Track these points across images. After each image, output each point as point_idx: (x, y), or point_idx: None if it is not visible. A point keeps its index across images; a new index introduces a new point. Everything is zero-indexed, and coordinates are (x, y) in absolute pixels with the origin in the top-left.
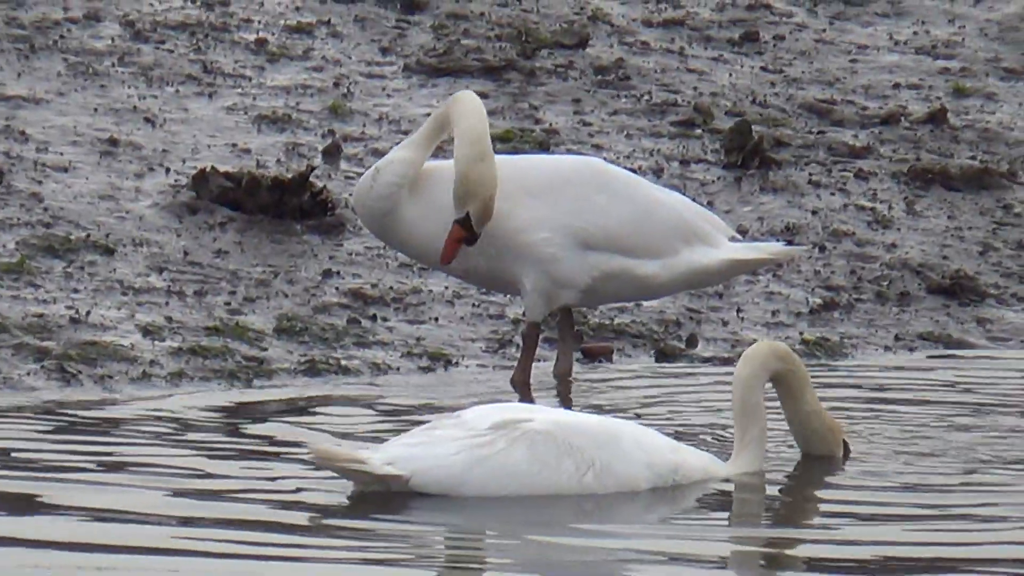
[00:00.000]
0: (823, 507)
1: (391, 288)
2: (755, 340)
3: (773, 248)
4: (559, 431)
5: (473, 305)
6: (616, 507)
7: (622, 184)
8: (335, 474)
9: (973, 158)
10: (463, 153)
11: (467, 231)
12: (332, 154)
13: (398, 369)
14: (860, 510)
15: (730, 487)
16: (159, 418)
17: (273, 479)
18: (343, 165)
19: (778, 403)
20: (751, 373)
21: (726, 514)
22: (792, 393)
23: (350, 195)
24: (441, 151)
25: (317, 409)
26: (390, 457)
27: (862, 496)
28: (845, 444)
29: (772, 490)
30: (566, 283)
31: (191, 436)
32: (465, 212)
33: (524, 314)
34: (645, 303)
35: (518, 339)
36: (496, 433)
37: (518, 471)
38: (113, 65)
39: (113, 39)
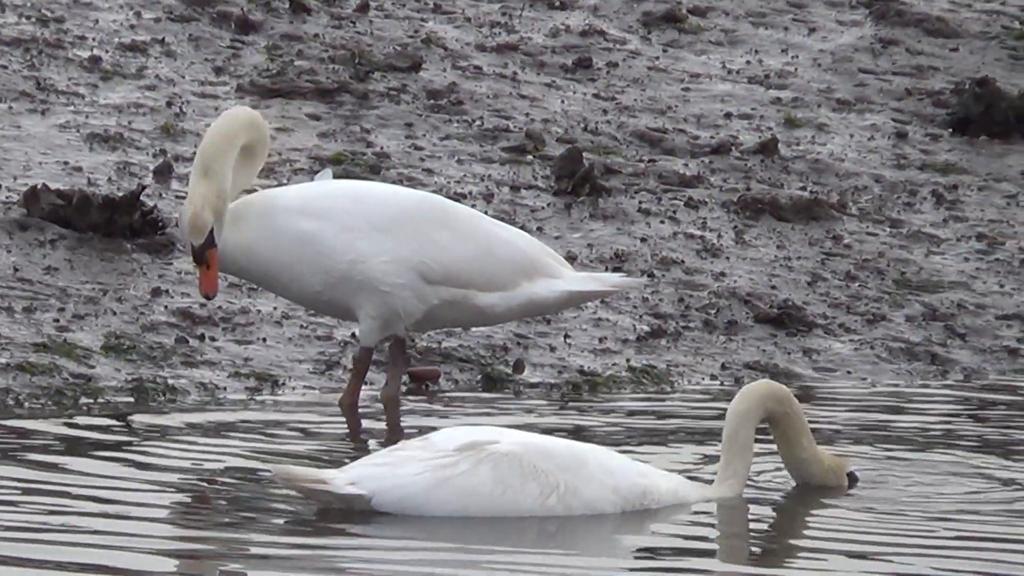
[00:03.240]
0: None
1: (219, 308)
2: (582, 367)
3: (613, 279)
4: (525, 453)
5: (301, 326)
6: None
7: (464, 222)
8: (298, 494)
9: (803, 189)
10: (194, 166)
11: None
12: (163, 174)
13: (225, 389)
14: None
15: (706, 513)
16: None
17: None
18: (174, 185)
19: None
20: (746, 409)
21: (699, 542)
22: (787, 437)
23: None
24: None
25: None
26: (353, 477)
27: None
28: (851, 475)
29: (745, 515)
30: (404, 313)
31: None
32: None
33: (358, 339)
34: (474, 328)
35: (346, 361)
36: (461, 455)
37: (481, 492)
38: None
39: None
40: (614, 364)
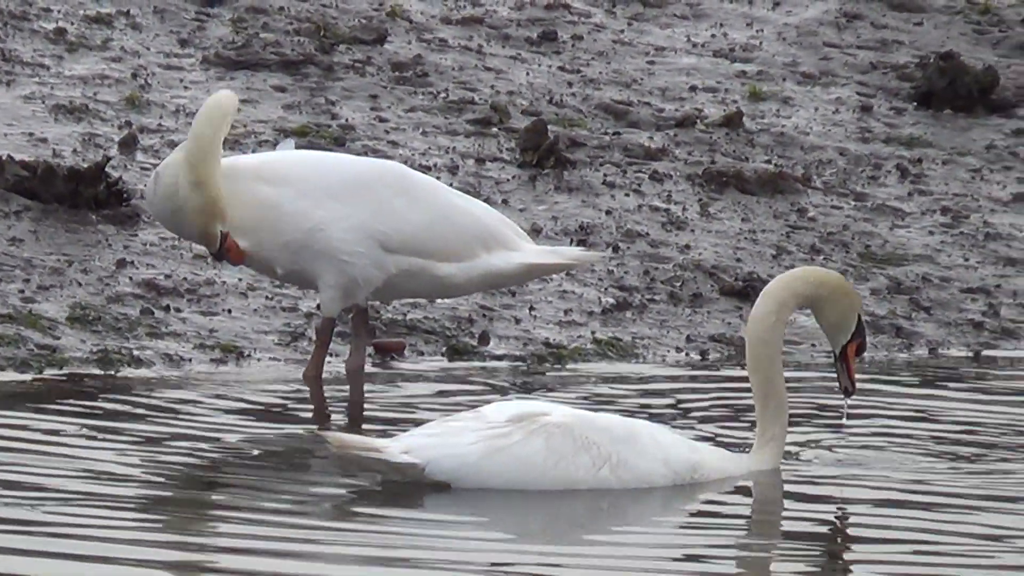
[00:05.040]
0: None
1: (185, 279)
2: (547, 339)
3: (573, 253)
4: (577, 425)
5: (266, 298)
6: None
7: (422, 189)
8: (353, 464)
9: (768, 162)
10: (186, 148)
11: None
12: (128, 145)
13: (190, 360)
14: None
15: (748, 486)
16: None
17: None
18: (139, 157)
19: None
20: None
21: (742, 516)
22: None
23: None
24: (235, 146)
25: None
26: (406, 446)
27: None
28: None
29: (789, 489)
30: (363, 282)
31: None
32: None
33: (319, 309)
34: (439, 300)
35: (311, 333)
36: (514, 426)
37: (534, 462)
38: None
39: None
40: (579, 336)
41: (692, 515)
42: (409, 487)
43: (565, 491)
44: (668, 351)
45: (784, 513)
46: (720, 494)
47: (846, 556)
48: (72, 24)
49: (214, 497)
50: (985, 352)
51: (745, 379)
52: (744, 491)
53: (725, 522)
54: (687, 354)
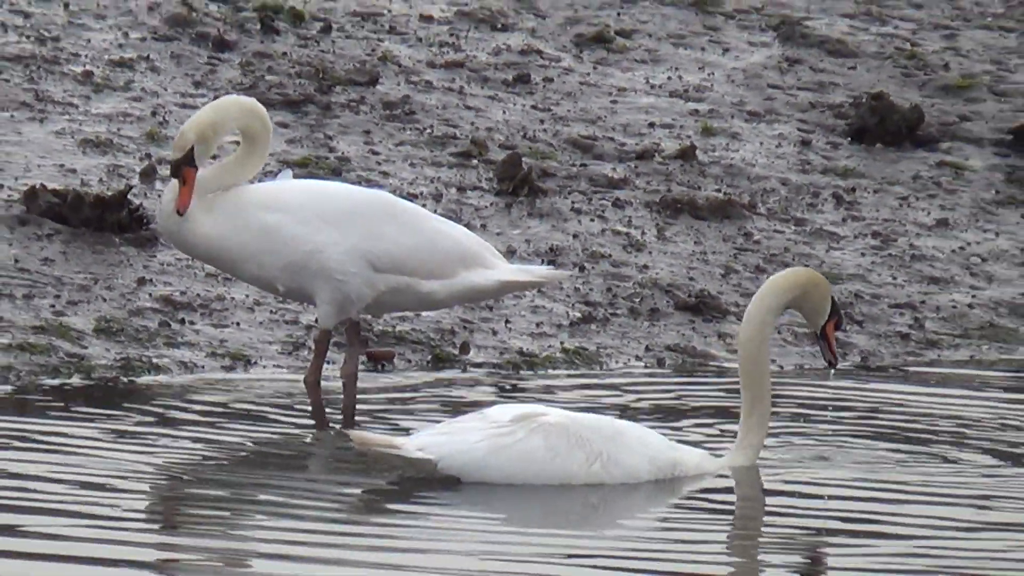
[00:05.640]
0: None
1: (198, 295)
2: (521, 348)
3: (542, 271)
4: (572, 424)
5: (271, 312)
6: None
7: (408, 216)
8: (370, 456)
9: (718, 191)
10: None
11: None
12: (148, 175)
13: (203, 367)
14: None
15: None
16: None
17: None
18: (158, 186)
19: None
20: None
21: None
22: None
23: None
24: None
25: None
26: (421, 444)
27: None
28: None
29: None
30: (355, 298)
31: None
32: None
33: (317, 322)
34: (424, 313)
35: (310, 343)
36: (516, 425)
37: (534, 458)
38: None
39: None
40: (550, 346)
41: (673, 508)
42: (423, 481)
43: (561, 485)
44: (629, 359)
45: (763, 507)
46: (700, 489)
47: (819, 548)
48: (98, 67)
49: (223, 492)
50: (910, 359)
51: (697, 383)
52: (724, 486)
53: (706, 516)
54: (645, 363)
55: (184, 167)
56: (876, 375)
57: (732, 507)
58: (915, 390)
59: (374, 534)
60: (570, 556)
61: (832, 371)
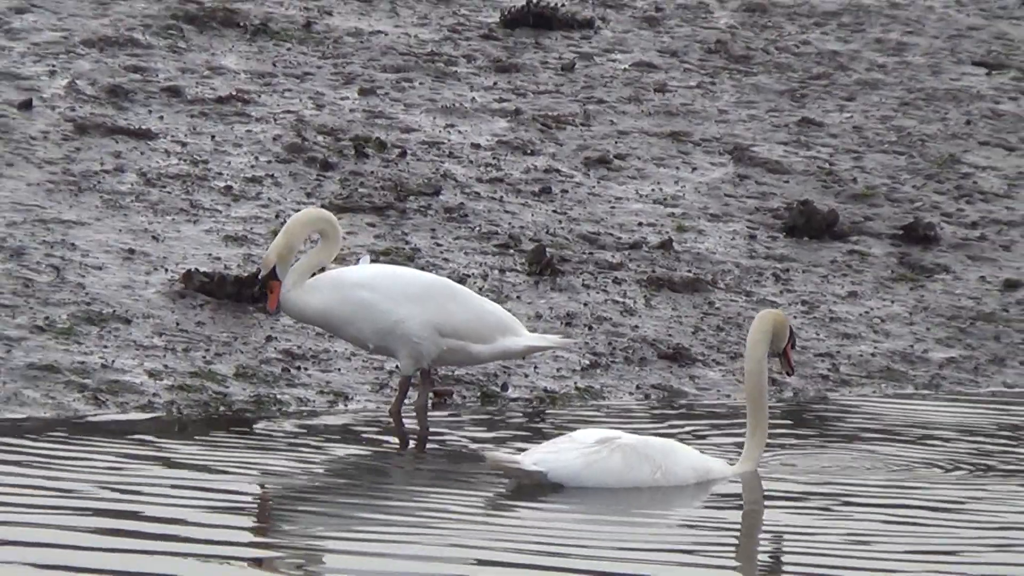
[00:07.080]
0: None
1: (310, 348)
2: (545, 387)
3: (556, 340)
4: (639, 444)
5: (363, 361)
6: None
7: (464, 296)
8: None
9: (689, 272)
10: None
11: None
12: None
13: (314, 402)
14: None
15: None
16: (159, 430)
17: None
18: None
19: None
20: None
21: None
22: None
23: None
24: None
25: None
26: (535, 459)
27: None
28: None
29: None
30: (427, 355)
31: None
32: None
33: (399, 369)
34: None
35: (393, 383)
36: (601, 445)
37: (615, 470)
38: (132, 201)
39: (132, 184)
40: (566, 385)
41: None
42: (536, 487)
43: (634, 488)
44: (624, 395)
45: (767, 504)
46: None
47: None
48: (236, 183)
49: (333, 500)
50: (829, 394)
51: (675, 413)
52: (734, 490)
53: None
54: (636, 398)
55: (270, 281)
56: (807, 406)
57: (741, 503)
58: (834, 416)
59: (509, 524)
60: (639, 542)
61: (790, 379)
